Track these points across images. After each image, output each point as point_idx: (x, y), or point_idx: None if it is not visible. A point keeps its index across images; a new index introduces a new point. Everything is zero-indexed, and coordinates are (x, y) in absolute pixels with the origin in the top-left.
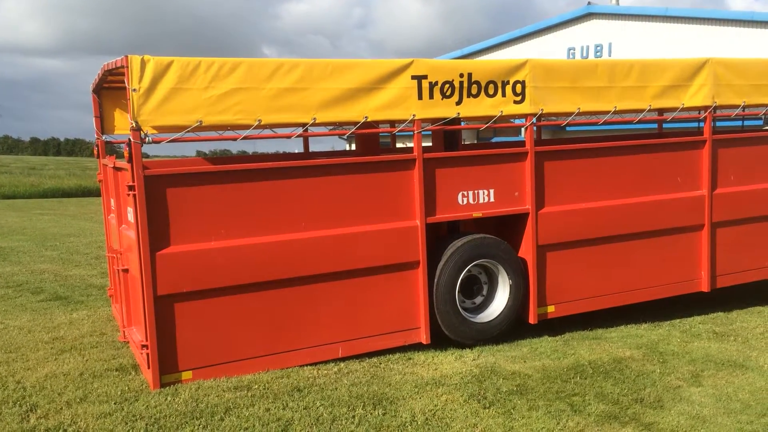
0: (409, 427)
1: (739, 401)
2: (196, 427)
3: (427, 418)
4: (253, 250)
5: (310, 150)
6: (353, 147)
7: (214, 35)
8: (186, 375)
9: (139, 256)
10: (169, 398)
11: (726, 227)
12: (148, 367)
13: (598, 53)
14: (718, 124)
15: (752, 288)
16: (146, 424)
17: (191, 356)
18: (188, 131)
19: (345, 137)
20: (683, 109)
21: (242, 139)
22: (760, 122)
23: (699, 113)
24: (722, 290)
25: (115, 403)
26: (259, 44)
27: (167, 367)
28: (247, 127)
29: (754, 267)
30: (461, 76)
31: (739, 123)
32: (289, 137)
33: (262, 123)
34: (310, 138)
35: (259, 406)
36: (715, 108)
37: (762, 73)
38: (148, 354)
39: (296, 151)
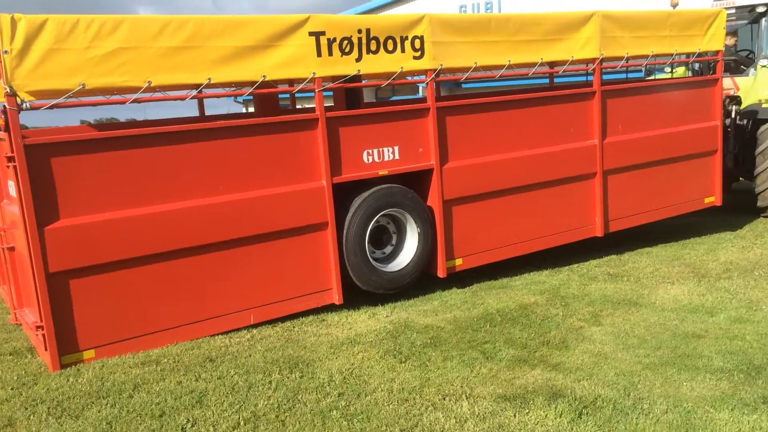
0: (328, 387)
1: (636, 337)
2: (104, 407)
3: (344, 377)
4: (151, 220)
5: (206, 114)
6: (250, 110)
7: None
8: (88, 354)
9: (26, 233)
10: (71, 379)
11: (616, 174)
12: (46, 349)
13: (489, 9)
14: (604, 77)
15: (640, 231)
16: (48, 408)
17: (92, 334)
18: (70, 95)
19: (240, 99)
20: (573, 62)
21: (132, 102)
22: (641, 74)
23: (588, 66)
24: (614, 234)
25: (12, 389)
26: (133, 3)
27: (66, 347)
28: (136, 89)
29: (642, 211)
30: (359, 32)
31: (623, 75)
32: (183, 99)
33: (152, 84)
34: (206, 103)
35: (170, 379)
36: (602, 60)
37: (642, 25)
38: (44, 335)
39: (189, 116)
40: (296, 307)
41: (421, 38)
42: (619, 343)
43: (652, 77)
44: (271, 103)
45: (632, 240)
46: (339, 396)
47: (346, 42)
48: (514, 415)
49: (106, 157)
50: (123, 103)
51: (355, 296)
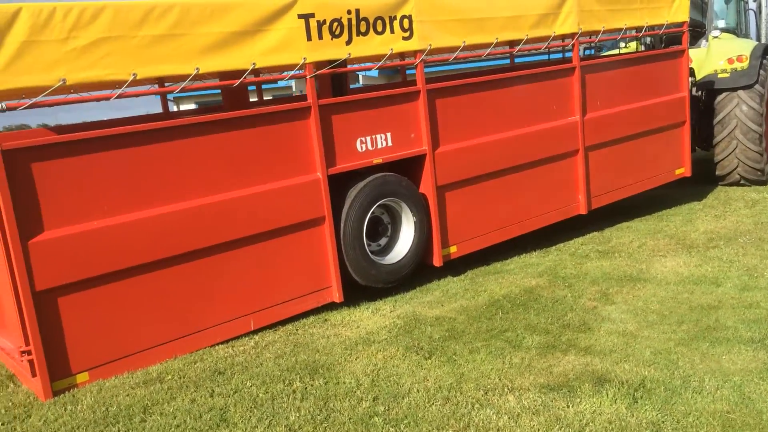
0: (358, 391)
1: (654, 313)
2: None
3: (372, 380)
4: (143, 226)
5: (169, 110)
6: (183, 108)
7: None
8: (81, 377)
9: (7, 248)
10: (69, 407)
11: (596, 150)
12: (34, 376)
13: None
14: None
15: (612, 206)
16: None
17: (85, 355)
18: (49, 92)
19: (170, 97)
20: (555, 38)
21: (116, 97)
22: (591, 51)
23: (564, 41)
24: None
25: (2, 424)
26: None
27: (58, 372)
28: (121, 83)
29: (621, 186)
30: (349, 12)
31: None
32: (171, 92)
33: (138, 77)
34: (123, 103)
35: (181, 398)
36: (581, 34)
37: None
38: (31, 360)
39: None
40: (297, 309)
41: (410, 18)
42: (640, 320)
43: (605, 53)
44: (242, 95)
45: (607, 215)
46: (374, 400)
47: (336, 24)
48: (567, 406)
49: (91, 159)
50: (108, 98)
51: (350, 293)
